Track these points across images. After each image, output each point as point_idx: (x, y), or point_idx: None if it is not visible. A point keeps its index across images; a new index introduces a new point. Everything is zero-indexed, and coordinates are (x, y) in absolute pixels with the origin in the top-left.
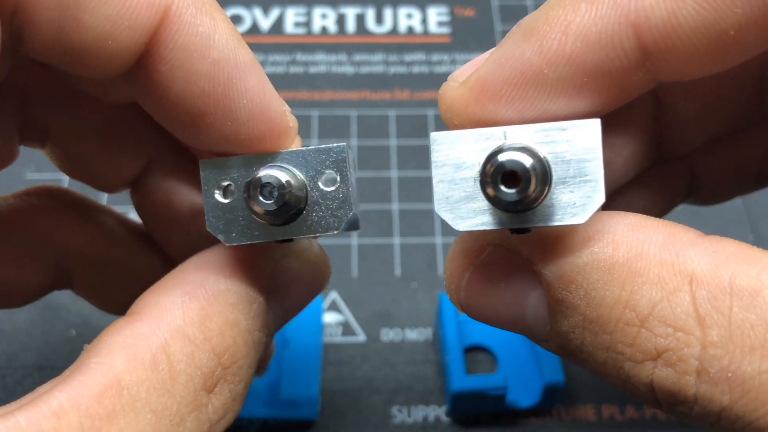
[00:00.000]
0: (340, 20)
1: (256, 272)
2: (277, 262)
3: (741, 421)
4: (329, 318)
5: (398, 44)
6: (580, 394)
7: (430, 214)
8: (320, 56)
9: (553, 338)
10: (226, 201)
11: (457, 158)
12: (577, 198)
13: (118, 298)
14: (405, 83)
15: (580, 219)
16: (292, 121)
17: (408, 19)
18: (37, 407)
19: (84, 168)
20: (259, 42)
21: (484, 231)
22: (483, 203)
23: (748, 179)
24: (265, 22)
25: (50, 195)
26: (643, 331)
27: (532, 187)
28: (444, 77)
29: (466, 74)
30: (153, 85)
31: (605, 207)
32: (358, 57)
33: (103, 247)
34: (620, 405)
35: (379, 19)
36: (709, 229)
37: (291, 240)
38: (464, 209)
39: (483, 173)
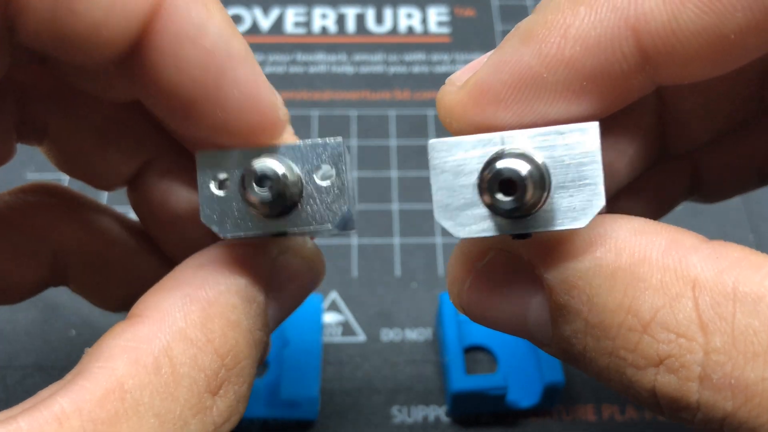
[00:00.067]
0: (340, 20)
1: (254, 271)
2: (275, 260)
3: (744, 427)
4: (329, 318)
5: (398, 44)
6: (580, 394)
7: (430, 214)
8: (320, 56)
9: (555, 343)
10: (221, 193)
11: (455, 165)
12: (577, 202)
13: (114, 296)
14: (405, 83)
15: (580, 223)
16: (283, 114)
17: (408, 19)
18: (39, 412)
19: (82, 166)
20: (259, 42)
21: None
22: (483, 210)
23: (751, 176)
24: (265, 22)
25: (47, 192)
26: (646, 336)
27: (529, 194)
28: (444, 77)
29: (465, 78)
30: (146, 73)
31: (610, 208)
32: (358, 57)
33: (100, 244)
34: (620, 405)
35: (379, 19)
36: (709, 229)
37: (285, 234)
38: (464, 216)
39: (480, 180)
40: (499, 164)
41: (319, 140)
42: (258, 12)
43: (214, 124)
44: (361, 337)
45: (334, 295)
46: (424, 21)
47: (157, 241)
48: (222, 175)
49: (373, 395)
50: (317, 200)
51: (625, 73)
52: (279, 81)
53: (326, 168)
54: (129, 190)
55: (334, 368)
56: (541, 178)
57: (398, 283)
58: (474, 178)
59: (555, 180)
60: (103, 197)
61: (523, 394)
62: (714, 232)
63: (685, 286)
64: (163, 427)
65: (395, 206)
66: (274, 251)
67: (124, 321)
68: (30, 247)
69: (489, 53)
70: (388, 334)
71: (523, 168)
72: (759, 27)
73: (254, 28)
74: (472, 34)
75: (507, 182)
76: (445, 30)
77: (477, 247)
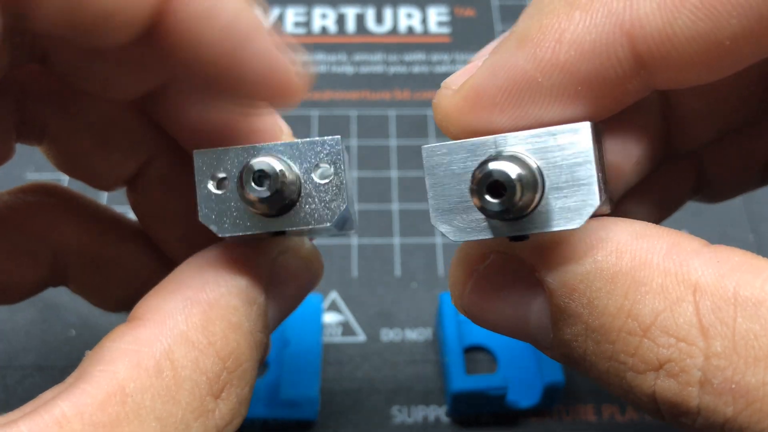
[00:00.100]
0: (340, 20)
1: (254, 272)
2: (274, 260)
3: None
4: (329, 318)
5: (398, 44)
6: (580, 394)
7: None
8: (320, 56)
9: (556, 347)
10: (219, 192)
11: (449, 169)
12: (571, 203)
13: (114, 296)
14: (405, 83)
15: (575, 224)
16: (304, 76)
17: (408, 19)
18: (39, 416)
19: (81, 166)
20: None
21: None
22: (478, 213)
23: (754, 175)
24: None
25: (47, 192)
26: (646, 341)
27: (518, 196)
28: (444, 77)
29: (460, 81)
30: (163, 54)
31: (617, 210)
32: (358, 57)
33: (99, 244)
34: (620, 405)
35: (379, 19)
36: (709, 229)
37: (284, 233)
38: (460, 220)
39: (471, 183)
40: (489, 167)
41: (318, 139)
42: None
43: (236, 97)
44: (361, 337)
45: (334, 295)
46: (424, 21)
47: (157, 241)
48: (220, 174)
49: (373, 395)
50: (315, 199)
51: (620, 78)
52: None
53: (325, 167)
54: (128, 191)
55: (334, 368)
56: (532, 181)
57: (398, 283)
58: (468, 182)
59: (549, 181)
60: (103, 197)
61: (523, 394)
62: (714, 233)
63: (685, 290)
64: (165, 430)
65: (395, 206)
66: (273, 252)
67: (125, 324)
68: (29, 247)
69: (483, 56)
70: (388, 334)
71: (512, 170)
72: (754, 34)
73: None
74: (472, 34)
75: (495, 185)
76: (445, 30)
77: (478, 249)
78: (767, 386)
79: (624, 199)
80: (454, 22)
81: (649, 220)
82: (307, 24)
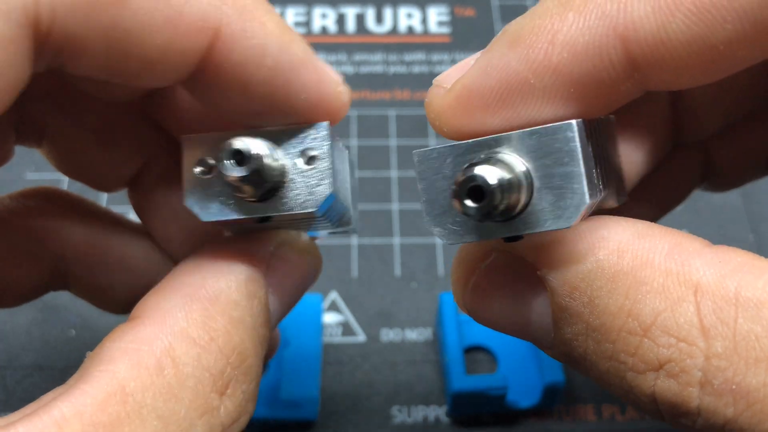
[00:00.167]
0: (340, 20)
1: (254, 266)
2: (272, 254)
3: None
4: (329, 318)
5: (398, 44)
6: (580, 394)
7: None
8: (320, 56)
9: (556, 346)
10: (205, 177)
11: (440, 173)
12: (561, 203)
13: (117, 298)
14: (405, 83)
15: (566, 223)
16: (346, 97)
17: (408, 18)
18: (38, 418)
19: (81, 167)
20: None
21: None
22: None
23: (760, 164)
24: None
25: (47, 196)
26: (646, 340)
27: (497, 200)
28: None
29: (452, 79)
30: (209, 94)
31: (628, 204)
32: (358, 57)
33: (101, 247)
34: (620, 405)
35: (379, 19)
36: (709, 229)
37: (270, 219)
38: (453, 222)
39: (453, 187)
40: (468, 172)
41: (305, 124)
42: None
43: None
44: (361, 337)
45: (334, 295)
46: (424, 21)
47: (160, 241)
48: (207, 159)
49: (373, 395)
50: (300, 185)
51: (613, 80)
52: None
53: (311, 152)
54: (129, 191)
55: (334, 368)
56: (516, 183)
57: (398, 283)
58: None
59: (539, 182)
60: (103, 198)
61: (523, 394)
62: (714, 232)
63: (687, 290)
64: (168, 429)
65: (395, 206)
66: (271, 246)
67: (125, 323)
68: (30, 251)
69: (476, 55)
70: (388, 334)
71: (492, 175)
72: (748, 38)
73: None
74: (472, 34)
75: (475, 189)
76: (445, 30)
77: (480, 248)
78: None
79: (633, 190)
80: (454, 22)
81: (657, 211)
82: (307, 24)
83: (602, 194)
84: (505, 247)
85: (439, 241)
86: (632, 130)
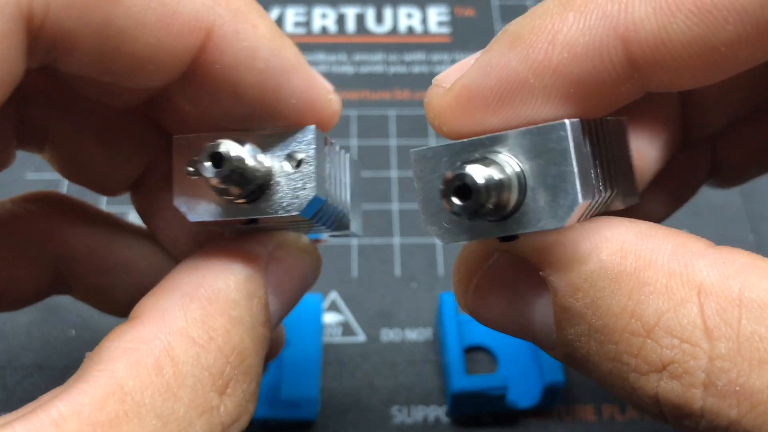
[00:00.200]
0: (340, 20)
1: (253, 265)
2: (271, 254)
3: None
4: (329, 318)
5: (398, 44)
6: (580, 394)
7: None
8: (320, 56)
9: (559, 347)
10: (195, 178)
11: (435, 173)
12: (554, 202)
13: (119, 301)
14: (405, 83)
15: (559, 223)
16: (337, 105)
17: (408, 18)
18: (36, 417)
19: (84, 171)
20: None
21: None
22: None
23: (766, 159)
24: None
25: (48, 200)
26: (649, 341)
27: (483, 199)
28: None
29: (451, 79)
30: (200, 96)
31: (640, 200)
32: (358, 57)
33: (101, 251)
34: (620, 405)
35: (379, 19)
36: (709, 229)
37: (256, 221)
38: (449, 222)
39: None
40: (456, 171)
41: (292, 128)
42: None
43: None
44: (361, 337)
45: (334, 295)
46: (424, 21)
47: (164, 243)
48: (195, 159)
49: (373, 395)
50: (285, 188)
51: (613, 81)
52: None
53: (297, 155)
54: (132, 195)
55: (334, 368)
56: (507, 183)
57: (398, 283)
58: None
59: (533, 181)
60: (102, 200)
61: (523, 394)
62: (714, 232)
63: (690, 291)
64: (166, 428)
65: (395, 206)
66: (270, 246)
67: (124, 323)
68: (31, 255)
69: (475, 54)
70: (388, 334)
71: (479, 174)
72: (750, 40)
73: None
74: (472, 34)
75: (462, 188)
76: (445, 30)
77: (482, 248)
78: None
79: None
80: (454, 22)
81: (665, 209)
82: (307, 24)
83: (602, 195)
84: (506, 248)
85: (439, 242)
86: (645, 125)
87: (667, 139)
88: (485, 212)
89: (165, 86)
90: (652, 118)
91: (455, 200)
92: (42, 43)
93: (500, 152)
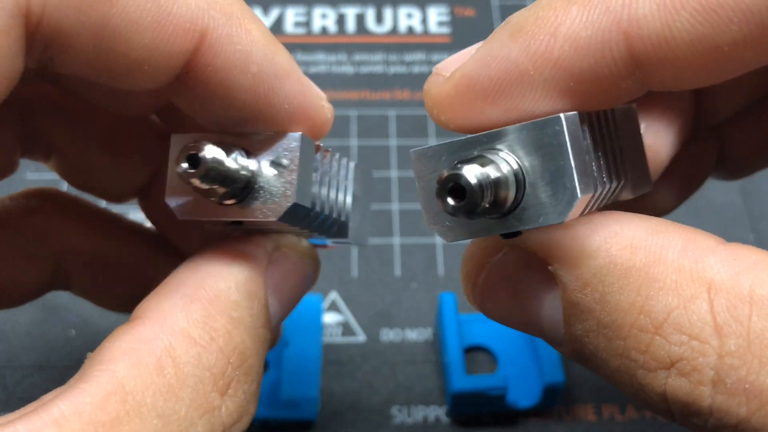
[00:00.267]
0: (340, 20)
1: (253, 266)
2: (271, 255)
3: None
4: (329, 318)
5: (398, 44)
6: (580, 394)
7: None
8: (320, 56)
9: (567, 342)
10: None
11: (435, 172)
12: (553, 198)
13: (118, 297)
14: (405, 83)
15: (558, 219)
16: (329, 113)
17: (408, 18)
18: (38, 416)
19: (90, 180)
20: None
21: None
22: None
23: None
24: (265, 22)
25: (47, 197)
26: (657, 338)
27: (478, 197)
28: None
29: (452, 68)
30: (194, 99)
31: (652, 191)
32: (358, 57)
33: (101, 246)
34: (620, 405)
35: (379, 19)
36: (709, 228)
37: (241, 224)
38: (450, 220)
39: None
40: (451, 171)
41: (279, 133)
42: (258, 12)
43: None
44: (361, 337)
45: (334, 295)
46: (424, 21)
47: (176, 245)
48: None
49: (373, 395)
50: (267, 193)
51: (614, 77)
52: None
53: (281, 161)
54: (140, 201)
55: (334, 368)
56: (503, 181)
57: (398, 283)
58: None
59: (533, 177)
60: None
61: (523, 394)
62: (714, 232)
63: (700, 287)
64: (168, 428)
65: (395, 206)
66: (269, 247)
67: (126, 324)
68: (30, 251)
69: (477, 44)
70: (388, 334)
71: (471, 173)
72: (755, 41)
73: None
74: (472, 34)
75: (456, 188)
76: (445, 30)
77: (490, 243)
78: None
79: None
80: (454, 22)
81: (674, 199)
82: (307, 24)
83: (607, 186)
84: (514, 243)
85: (439, 241)
86: (661, 109)
87: (681, 124)
88: (482, 211)
89: (160, 89)
90: (667, 102)
91: (450, 200)
92: (39, 40)
93: (499, 149)
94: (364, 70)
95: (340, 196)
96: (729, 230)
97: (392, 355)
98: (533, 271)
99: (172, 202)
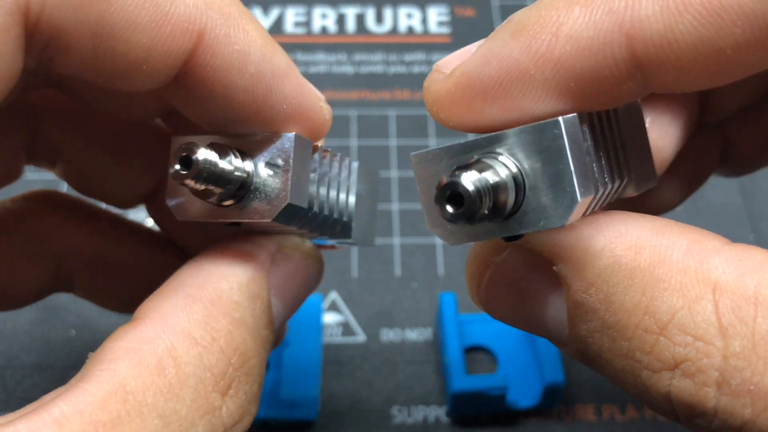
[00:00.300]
0: (340, 20)
1: (256, 268)
2: (273, 255)
3: None
4: (329, 318)
5: (398, 44)
6: (580, 394)
7: None
8: (320, 56)
9: (571, 342)
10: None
11: (436, 176)
12: (554, 201)
13: (120, 298)
14: (405, 83)
15: (559, 222)
16: (327, 113)
17: (408, 18)
18: (38, 416)
19: (96, 186)
20: None
21: None
22: None
23: None
24: (265, 22)
25: (48, 199)
26: (662, 339)
27: (476, 205)
28: None
29: (452, 65)
30: (192, 100)
31: (656, 187)
32: (358, 57)
33: (102, 247)
34: (621, 405)
35: (379, 19)
36: (709, 228)
37: (239, 225)
38: (451, 225)
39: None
40: (448, 178)
41: (274, 134)
42: (258, 12)
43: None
44: (361, 337)
45: (334, 295)
46: (424, 21)
47: (185, 248)
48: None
49: (373, 395)
50: (262, 194)
51: (615, 78)
52: None
53: (276, 162)
54: (147, 206)
55: (334, 368)
56: (502, 186)
57: (398, 283)
58: None
59: (533, 180)
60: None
61: (523, 394)
62: (714, 232)
63: (705, 288)
64: (168, 428)
65: (395, 206)
66: (272, 248)
67: (127, 324)
68: (31, 253)
69: (478, 42)
70: (388, 334)
71: (468, 181)
72: (758, 45)
73: None
74: (472, 34)
75: (454, 195)
76: (445, 30)
77: (494, 243)
78: None
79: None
80: (454, 22)
81: (678, 195)
82: (307, 24)
83: (609, 187)
84: (518, 243)
85: (439, 242)
86: (666, 104)
87: (686, 118)
88: (482, 216)
89: (158, 89)
90: (672, 96)
91: (449, 208)
92: (38, 39)
93: (498, 152)
94: (364, 70)
95: (342, 197)
96: (729, 230)
97: (392, 355)
98: (537, 271)
99: (172, 203)
